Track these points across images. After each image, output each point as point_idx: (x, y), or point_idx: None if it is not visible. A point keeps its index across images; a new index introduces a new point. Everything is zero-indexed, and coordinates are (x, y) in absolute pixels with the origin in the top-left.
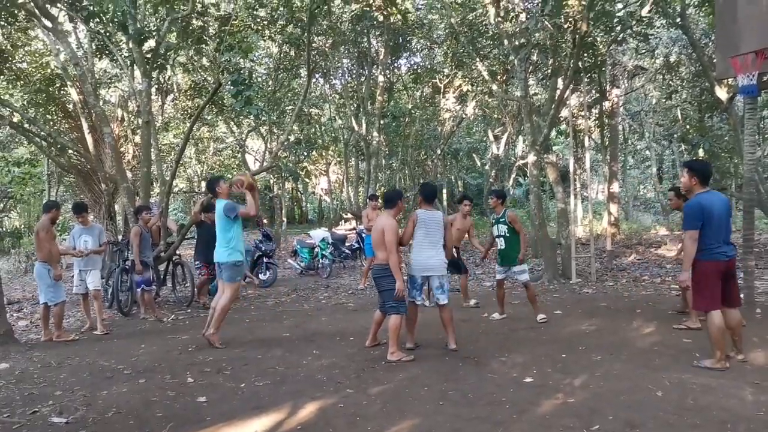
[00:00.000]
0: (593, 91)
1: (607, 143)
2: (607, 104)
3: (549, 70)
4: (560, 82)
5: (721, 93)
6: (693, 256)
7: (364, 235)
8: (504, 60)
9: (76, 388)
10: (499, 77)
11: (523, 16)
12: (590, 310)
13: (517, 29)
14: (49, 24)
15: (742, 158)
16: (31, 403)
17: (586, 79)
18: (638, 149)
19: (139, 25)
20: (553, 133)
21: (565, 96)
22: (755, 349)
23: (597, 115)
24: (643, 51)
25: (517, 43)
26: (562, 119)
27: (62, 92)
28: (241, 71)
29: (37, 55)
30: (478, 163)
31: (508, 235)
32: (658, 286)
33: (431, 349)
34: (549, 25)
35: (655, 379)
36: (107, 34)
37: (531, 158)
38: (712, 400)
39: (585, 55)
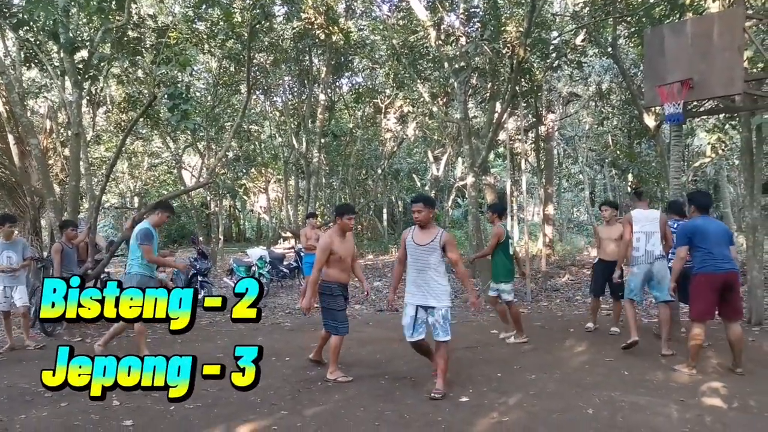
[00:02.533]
0: (530, 116)
1: (542, 166)
2: (542, 129)
3: (488, 94)
4: (498, 106)
5: (649, 121)
6: (679, 270)
7: (302, 254)
8: (444, 83)
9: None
10: (439, 99)
11: (463, 40)
12: (525, 330)
13: (457, 53)
14: None
15: (669, 183)
16: None
17: (523, 104)
18: (572, 173)
19: (71, 35)
20: (492, 156)
21: (503, 119)
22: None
23: (533, 139)
24: (577, 78)
25: (457, 66)
26: (500, 142)
27: None
28: (179, 84)
29: None
30: (419, 184)
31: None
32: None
33: (368, 369)
34: (488, 50)
35: (586, 398)
36: (37, 42)
37: (470, 180)
38: (641, 418)
39: (522, 80)
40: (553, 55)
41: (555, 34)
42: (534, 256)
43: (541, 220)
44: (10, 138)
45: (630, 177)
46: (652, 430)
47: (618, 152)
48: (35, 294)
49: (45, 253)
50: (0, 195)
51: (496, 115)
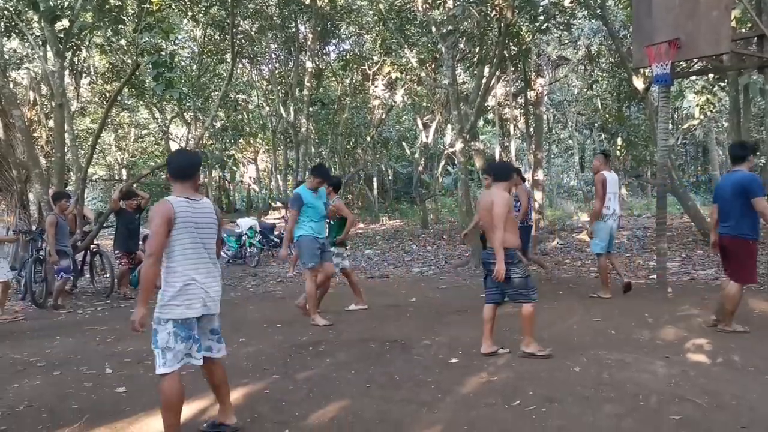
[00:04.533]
0: (519, 81)
1: (532, 132)
2: (531, 94)
3: (476, 59)
4: (487, 71)
5: (638, 83)
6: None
7: None
8: (432, 48)
9: None
10: (427, 65)
11: (450, 3)
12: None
13: (445, 17)
14: None
15: (657, 146)
16: None
17: (511, 68)
18: (562, 138)
19: (51, 3)
20: (481, 122)
21: (492, 85)
22: (666, 325)
23: (522, 104)
24: (566, 41)
25: (444, 30)
26: (489, 108)
27: None
28: (162, 53)
29: None
30: (408, 152)
31: (332, 222)
32: (579, 269)
33: (358, 333)
34: (476, 13)
35: (573, 357)
36: (17, 11)
37: (458, 146)
38: (627, 375)
39: (510, 43)
40: (542, 17)
41: None
42: None
43: (530, 186)
44: None
45: (619, 141)
46: (637, 385)
47: (607, 116)
48: (24, 267)
49: (33, 226)
50: None
51: (484, 80)
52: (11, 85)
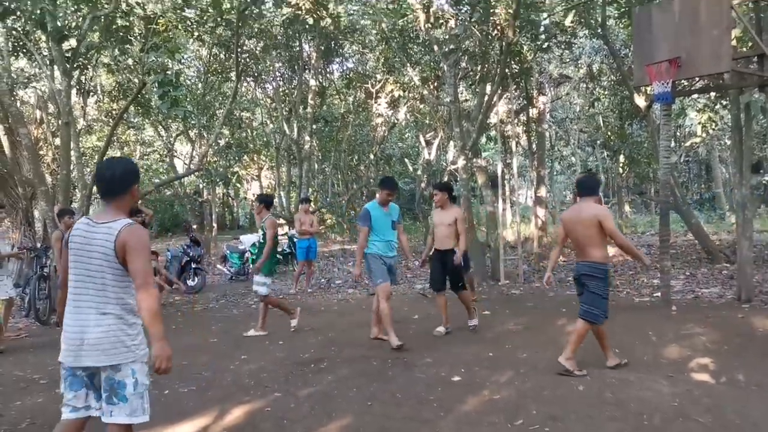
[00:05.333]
0: (521, 98)
1: (534, 149)
2: (533, 111)
3: (478, 77)
4: (489, 89)
5: (640, 101)
6: None
7: (296, 239)
8: (434, 66)
9: None
10: (430, 83)
11: (452, 23)
12: (518, 310)
13: (447, 36)
14: None
15: (659, 163)
16: None
17: (513, 86)
18: (564, 155)
19: (59, 23)
20: (483, 139)
21: (494, 102)
22: (670, 343)
23: (524, 122)
24: (568, 60)
25: (446, 49)
26: (491, 125)
27: None
28: (168, 72)
29: None
30: (411, 169)
31: (263, 242)
32: None
33: (360, 350)
34: (477, 32)
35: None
36: (25, 31)
37: (461, 163)
38: (630, 393)
39: (512, 62)
40: (543, 36)
41: (544, 15)
42: (526, 238)
43: (533, 203)
44: (0, 128)
45: (621, 158)
46: (641, 404)
47: (609, 133)
48: (28, 283)
49: (38, 243)
50: None
51: (486, 97)
52: (18, 104)
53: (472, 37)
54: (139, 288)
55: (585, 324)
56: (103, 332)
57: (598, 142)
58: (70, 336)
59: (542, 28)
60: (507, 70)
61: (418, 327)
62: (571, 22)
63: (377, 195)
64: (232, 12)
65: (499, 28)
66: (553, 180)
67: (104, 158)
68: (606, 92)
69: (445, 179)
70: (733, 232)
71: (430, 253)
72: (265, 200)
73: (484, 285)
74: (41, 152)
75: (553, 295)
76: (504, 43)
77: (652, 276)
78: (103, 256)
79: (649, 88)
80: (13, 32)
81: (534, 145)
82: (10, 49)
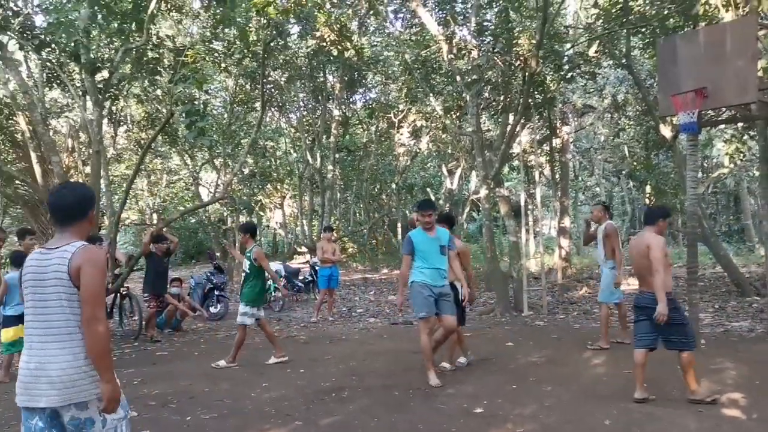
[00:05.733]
0: (544, 128)
1: (557, 179)
2: (557, 141)
3: (500, 107)
4: (511, 118)
5: (666, 131)
6: None
7: (317, 268)
8: (457, 96)
9: (12, 423)
10: (452, 113)
11: (475, 53)
12: (542, 342)
13: (470, 66)
14: None
15: (687, 194)
16: None
17: (536, 116)
18: (588, 185)
19: (92, 55)
20: (506, 169)
21: (516, 132)
22: (699, 378)
23: (548, 152)
24: (592, 90)
25: (469, 79)
26: (513, 155)
27: (10, 121)
28: (195, 102)
29: None
30: (433, 198)
31: (248, 271)
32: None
33: (382, 380)
34: (500, 63)
35: (602, 409)
36: (59, 63)
37: (483, 192)
38: (657, 428)
39: (535, 92)
40: (567, 66)
41: (568, 45)
42: (550, 269)
43: (557, 233)
44: (33, 157)
45: (648, 189)
46: None
47: (635, 164)
48: None
49: None
50: (23, 213)
51: (509, 127)
52: (51, 133)
53: (495, 67)
54: (85, 323)
55: (689, 354)
56: (62, 368)
57: (624, 172)
58: (25, 374)
59: (566, 59)
60: (530, 100)
61: (439, 357)
62: (595, 52)
63: (416, 220)
64: (258, 44)
65: (522, 58)
66: (577, 210)
67: (131, 185)
68: (631, 122)
69: (467, 209)
70: (763, 265)
71: None
72: (250, 229)
73: (507, 316)
74: (72, 180)
75: (578, 327)
76: (527, 74)
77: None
78: (59, 283)
79: (675, 119)
80: (48, 64)
81: (557, 175)
82: (45, 80)
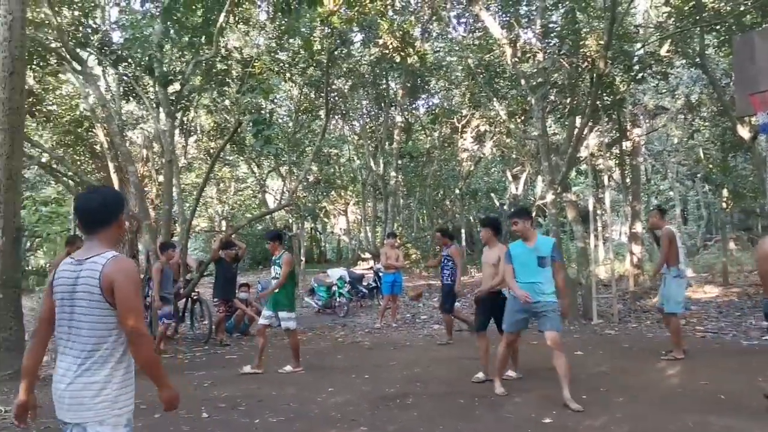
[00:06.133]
0: (613, 131)
1: (628, 183)
2: (627, 144)
3: (567, 110)
4: (579, 122)
5: (743, 132)
6: None
7: (381, 273)
8: (521, 100)
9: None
10: (516, 117)
11: (540, 56)
12: (612, 351)
13: (534, 69)
14: (78, 67)
15: (766, 197)
16: None
17: (605, 119)
18: (661, 189)
19: (165, 68)
20: (574, 173)
21: (584, 135)
22: None
23: (617, 155)
24: (664, 90)
25: (534, 82)
26: (581, 158)
27: (90, 133)
28: (262, 112)
29: (66, 97)
30: (497, 203)
31: (278, 277)
32: (683, 327)
33: (446, 387)
34: (566, 65)
35: (677, 422)
36: (134, 77)
37: (549, 197)
38: None
39: (603, 94)
40: (637, 67)
41: (638, 45)
42: (621, 276)
43: (627, 239)
44: (111, 166)
45: (725, 192)
46: None
47: (710, 166)
48: None
49: (142, 274)
50: None
51: (576, 131)
52: (127, 144)
53: (561, 69)
54: (129, 338)
55: None
56: (84, 384)
57: (699, 175)
58: (56, 386)
59: (636, 59)
60: (598, 103)
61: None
62: (667, 51)
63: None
64: (323, 53)
65: (589, 59)
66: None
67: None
68: (706, 123)
69: (533, 214)
70: None
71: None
72: (276, 237)
73: (575, 324)
74: (146, 188)
75: (651, 337)
76: (595, 75)
77: (761, 317)
78: (89, 297)
79: (753, 119)
80: (124, 78)
81: (628, 179)
82: (121, 93)
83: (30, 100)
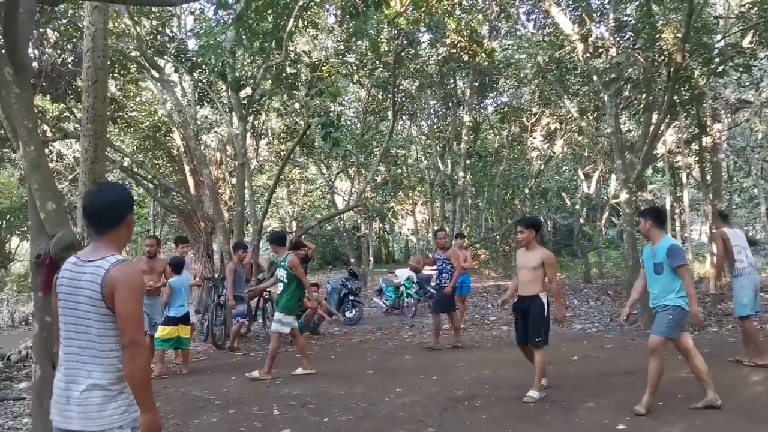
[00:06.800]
0: (692, 126)
1: (708, 181)
2: (707, 140)
3: (642, 106)
4: (655, 118)
5: None
6: None
7: None
8: (594, 96)
9: (170, 416)
10: (588, 114)
11: (613, 51)
12: (708, 355)
13: (607, 65)
14: (156, 75)
15: None
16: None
17: (683, 114)
18: (744, 187)
19: (237, 74)
20: (649, 171)
21: (660, 131)
22: None
23: (697, 151)
24: (747, 84)
25: (607, 78)
26: (657, 156)
27: (167, 138)
28: (330, 114)
29: (146, 104)
30: (568, 203)
31: (286, 281)
32: (766, 330)
33: (516, 390)
34: (641, 59)
35: (761, 430)
36: (208, 82)
37: (623, 196)
38: None
39: (681, 88)
40: (717, 59)
41: (718, 37)
42: (701, 277)
43: (708, 239)
44: (187, 170)
45: None
46: None
47: None
48: (207, 310)
49: (216, 274)
50: (179, 222)
51: (652, 127)
52: (202, 147)
53: (636, 64)
54: (124, 348)
55: None
56: (86, 394)
57: None
58: (57, 393)
59: (716, 51)
60: (675, 98)
61: (577, 369)
62: (750, 42)
63: None
64: (390, 54)
65: (666, 53)
66: (732, 214)
67: (272, 194)
68: None
69: (606, 214)
70: None
71: (510, 298)
72: (279, 239)
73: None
74: (220, 190)
75: (733, 341)
76: (672, 69)
77: None
78: (90, 302)
79: None
80: (199, 84)
81: (708, 177)
82: (196, 98)
83: (112, 107)
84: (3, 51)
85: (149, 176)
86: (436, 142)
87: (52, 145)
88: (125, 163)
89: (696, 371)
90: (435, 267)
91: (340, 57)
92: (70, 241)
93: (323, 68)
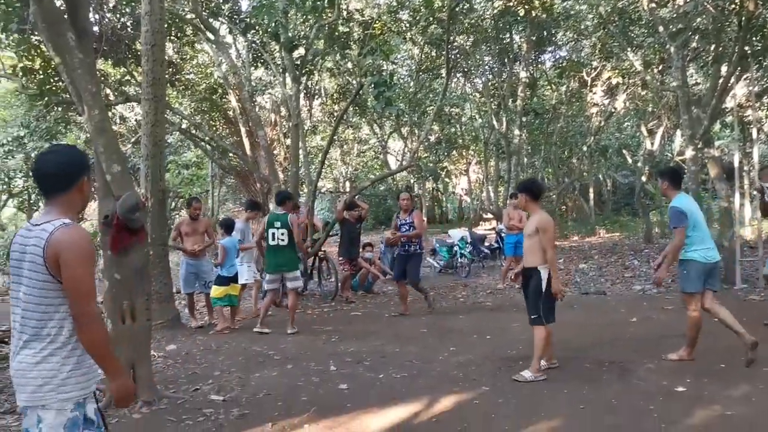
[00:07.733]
0: (764, 79)
1: None
2: None
3: (711, 57)
4: (724, 70)
5: None
6: None
7: (503, 234)
8: (659, 48)
9: (232, 370)
10: (653, 67)
11: (680, 0)
12: (757, 318)
13: (674, 14)
14: (212, 37)
15: None
16: (194, 381)
17: (755, 66)
18: None
19: (290, 34)
20: (717, 126)
21: (730, 84)
22: None
23: None
24: None
25: (674, 29)
26: (726, 110)
27: (223, 100)
28: (383, 73)
29: (202, 66)
30: (630, 161)
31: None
32: None
33: (572, 352)
34: (711, 8)
35: None
36: (262, 43)
37: (689, 153)
38: None
39: (753, 39)
40: None
41: None
42: None
43: None
44: (242, 131)
45: None
46: None
47: None
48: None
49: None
50: (237, 182)
51: (721, 80)
52: (257, 109)
53: (705, 13)
54: (75, 318)
55: None
56: (23, 365)
57: None
58: (13, 366)
59: None
60: (747, 48)
61: (636, 330)
62: None
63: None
64: (443, 10)
65: (737, 1)
66: None
67: (326, 155)
68: None
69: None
70: None
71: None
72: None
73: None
74: (275, 152)
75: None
76: (743, 18)
77: None
78: (33, 267)
79: None
80: (253, 45)
81: None
82: (251, 60)
83: (170, 70)
84: (65, 16)
85: (207, 138)
86: (491, 99)
87: (114, 109)
88: (184, 126)
89: (724, 324)
90: (395, 232)
91: (392, 14)
92: (134, 203)
93: (376, 26)
